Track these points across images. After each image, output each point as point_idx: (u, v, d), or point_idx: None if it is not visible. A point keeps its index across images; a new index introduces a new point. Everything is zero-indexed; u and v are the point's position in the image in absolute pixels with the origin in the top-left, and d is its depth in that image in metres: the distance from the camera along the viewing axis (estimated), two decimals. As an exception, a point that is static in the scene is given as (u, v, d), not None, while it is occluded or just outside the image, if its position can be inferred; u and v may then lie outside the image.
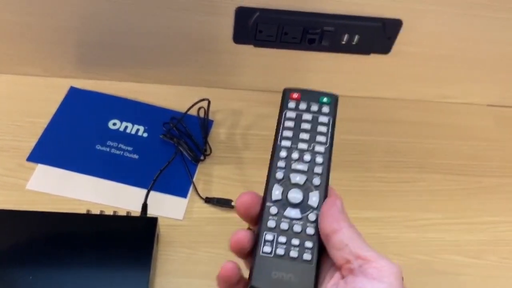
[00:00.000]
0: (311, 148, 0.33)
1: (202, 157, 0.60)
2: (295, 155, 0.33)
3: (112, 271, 0.46)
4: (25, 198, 0.54)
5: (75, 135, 0.60)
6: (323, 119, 0.34)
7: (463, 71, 0.66)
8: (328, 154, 0.33)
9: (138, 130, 0.62)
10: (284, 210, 0.31)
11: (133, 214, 0.51)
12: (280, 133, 0.34)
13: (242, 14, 0.56)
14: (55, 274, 0.46)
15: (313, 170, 0.32)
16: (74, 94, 0.65)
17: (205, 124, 0.63)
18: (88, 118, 0.62)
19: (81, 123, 0.62)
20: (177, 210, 0.55)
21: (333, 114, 0.35)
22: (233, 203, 0.56)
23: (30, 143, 0.59)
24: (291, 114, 0.35)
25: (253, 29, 0.58)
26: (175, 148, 0.60)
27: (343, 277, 0.29)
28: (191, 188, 0.57)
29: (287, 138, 0.34)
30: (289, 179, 0.32)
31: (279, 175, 0.32)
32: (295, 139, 0.34)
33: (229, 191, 0.57)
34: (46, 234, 0.48)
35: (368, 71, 0.66)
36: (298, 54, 0.63)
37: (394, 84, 0.68)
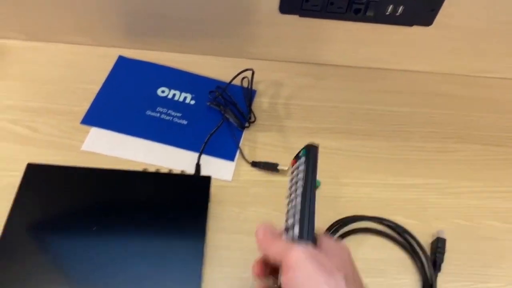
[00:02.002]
0: (295, 191, 0.40)
1: (247, 124, 0.62)
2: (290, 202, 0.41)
3: (169, 226, 0.49)
4: (81, 159, 0.57)
5: (126, 101, 0.63)
6: (301, 167, 0.41)
7: (504, 45, 0.67)
8: (304, 191, 0.39)
9: (185, 97, 0.64)
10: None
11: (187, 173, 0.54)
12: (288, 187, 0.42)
13: (290, -17, 0.58)
14: (115, 228, 0.48)
15: (295, 207, 0.39)
16: (122, 63, 0.67)
17: (249, 93, 0.65)
18: (137, 86, 0.65)
19: (131, 90, 0.64)
20: (225, 172, 0.57)
21: (306, 162, 0.40)
22: (279, 167, 0.58)
23: (84, 108, 0.62)
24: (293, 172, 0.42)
25: (299, -2, 0.59)
26: (221, 115, 0.62)
27: None
28: (237, 153, 0.60)
29: (289, 190, 0.42)
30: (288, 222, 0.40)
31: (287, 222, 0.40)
32: (291, 189, 0.41)
33: (273, 156, 0.59)
34: (106, 190, 0.51)
35: (410, 43, 0.67)
36: (342, 25, 0.64)
37: (434, 58, 0.69)
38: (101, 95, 0.63)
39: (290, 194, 0.41)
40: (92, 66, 0.67)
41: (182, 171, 0.54)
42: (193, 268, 0.47)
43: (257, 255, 0.51)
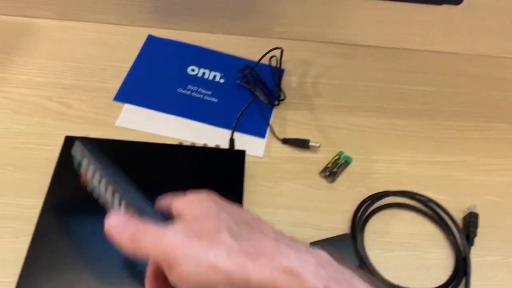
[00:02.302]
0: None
1: (276, 102, 0.63)
2: None
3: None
4: (116, 133, 0.58)
5: (157, 79, 0.64)
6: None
7: (532, 25, 0.67)
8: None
9: (215, 76, 0.65)
10: None
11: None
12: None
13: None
14: (152, 201, 0.49)
15: None
16: (152, 42, 0.68)
17: (278, 72, 0.65)
18: (167, 64, 0.65)
19: (161, 68, 0.65)
20: (257, 148, 0.58)
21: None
22: (310, 144, 0.58)
23: (115, 85, 0.63)
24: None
25: (331, -24, 0.59)
26: (251, 93, 0.63)
27: None
28: (268, 130, 0.60)
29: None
30: None
31: None
32: None
33: (303, 134, 0.60)
34: (143, 162, 0.52)
35: (438, 23, 0.67)
36: (370, 4, 0.64)
37: (463, 38, 0.69)
38: (132, 73, 0.64)
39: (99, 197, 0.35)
40: (122, 45, 0.67)
41: (217, 145, 0.55)
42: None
43: (292, 229, 0.53)
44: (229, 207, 0.30)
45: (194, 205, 0.29)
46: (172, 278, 0.26)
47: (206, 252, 0.25)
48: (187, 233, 0.26)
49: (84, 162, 0.39)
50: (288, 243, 0.27)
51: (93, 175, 0.37)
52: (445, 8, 0.64)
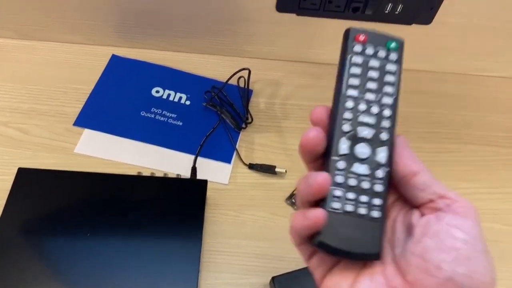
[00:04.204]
0: (378, 99, 0.31)
1: (244, 125, 0.61)
2: (362, 106, 0.30)
3: (164, 231, 0.48)
4: (74, 162, 0.56)
5: (119, 101, 0.62)
6: (390, 67, 0.31)
7: (502, 44, 0.66)
8: (396, 107, 0.31)
9: (180, 98, 0.63)
10: (352, 165, 0.30)
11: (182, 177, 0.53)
12: (345, 81, 0.31)
13: (288, -19, 0.57)
14: (110, 233, 0.47)
15: (380, 123, 0.30)
16: (116, 62, 0.66)
17: (245, 93, 0.64)
18: (131, 86, 0.63)
19: (125, 90, 0.63)
20: (222, 174, 0.56)
21: (400, 61, 0.31)
22: (276, 170, 0.57)
23: (76, 109, 0.60)
24: (357, 59, 0.31)
25: (297, -3, 0.58)
26: (218, 116, 0.61)
27: (423, 214, 0.29)
28: (234, 155, 0.59)
29: (353, 87, 0.31)
30: (356, 132, 0.30)
31: (346, 127, 0.30)
32: (361, 88, 0.31)
33: (270, 158, 0.58)
34: (99, 194, 0.50)
35: (409, 42, 0.65)
36: (340, 23, 0.63)
37: (433, 56, 0.68)
38: (94, 95, 0.62)
39: (363, 91, 0.31)
40: (85, 66, 0.65)
41: (178, 175, 0.53)
42: (189, 274, 0.46)
43: (254, 262, 0.51)
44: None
45: (469, 202, 0.29)
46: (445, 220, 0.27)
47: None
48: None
49: (395, 59, 0.32)
50: None
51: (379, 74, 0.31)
52: (415, 27, 0.63)
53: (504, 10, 0.61)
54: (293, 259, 0.50)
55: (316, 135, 0.29)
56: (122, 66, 0.65)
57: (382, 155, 0.30)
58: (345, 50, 0.32)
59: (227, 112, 0.61)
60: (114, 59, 0.66)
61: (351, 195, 0.29)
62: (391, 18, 0.61)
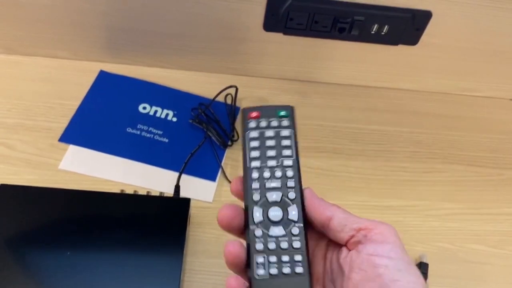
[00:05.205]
0: (279, 163, 0.34)
1: (229, 143, 0.61)
2: (266, 174, 0.33)
3: (146, 250, 0.48)
4: (58, 178, 0.56)
5: (106, 117, 0.62)
6: (284, 132, 0.35)
7: (488, 64, 0.67)
8: (297, 166, 0.34)
9: (167, 114, 0.63)
10: (268, 229, 0.32)
11: (165, 195, 0.53)
12: (248, 155, 0.34)
13: (275, 1, 0.57)
14: (91, 251, 0.47)
15: (286, 184, 0.33)
16: (103, 78, 0.66)
17: (232, 111, 0.64)
18: (118, 102, 0.63)
19: (111, 106, 0.63)
20: (206, 192, 0.56)
21: (293, 125, 0.35)
22: (261, 188, 0.57)
23: (62, 124, 0.60)
24: (254, 133, 0.35)
25: (284, 17, 0.58)
26: (203, 133, 0.61)
27: (349, 250, 0.31)
28: (219, 172, 0.59)
29: (255, 159, 0.34)
30: (266, 198, 0.33)
31: (256, 196, 0.33)
32: (263, 157, 0.34)
33: (256, 176, 0.59)
34: (81, 212, 0.49)
35: (395, 62, 0.66)
36: (326, 43, 0.63)
37: (419, 76, 0.69)
38: (81, 111, 0.62)
39: (265, 160, 0.34)
40: (72, 81, 0.65)
41: (161, 193, 0.53)
42: (170, 294, 0.45)
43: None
44: None
45: (385, 225, 0.32)
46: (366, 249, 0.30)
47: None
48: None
49: (288, 125, 0.36)
50: None
51: (276, 142, 0.35)
52: (401, 48, 0.64)
53: (488, 32, 0.62)
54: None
55: (229, 212, 0.33)
56: (110, 82, 0.65)
57: (293, 213, 0.32)
58: (243, 128, 0.35)
59: (213, 129, 0.62)
60: (102, 74, 0.66)
61: (273, 258, 0.31)
62: (377, 39, 0.62)
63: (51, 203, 0.50)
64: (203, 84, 0.67)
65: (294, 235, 0.31)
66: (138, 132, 0.61)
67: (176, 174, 0.57)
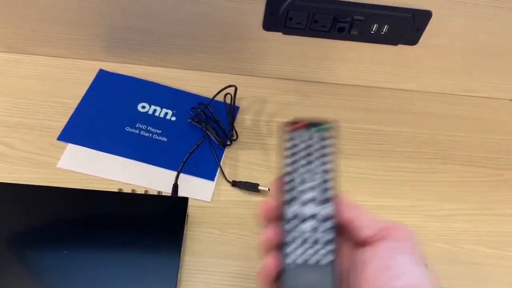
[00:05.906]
0: (318, 165, 0.35)
1: (228, 142, 0.61)
2: (305, 175, 0.34)
3: (143, 249, 0.47)
4: (56, 176, 0.56)
5: (105, 116, 0.62)
6: (327, 142, 0.36)
7: (488, 65, 0.67)
8: (334, 171, 0.35)
9: (166, 113, 0.63)
10: (301, 223, 0.33)
11: (163, 194, 0.53)
12: (287, 158, 0.35)
13: (274, 1, 0.57)
14: (88, 249, 0.47)
15: (322, 185, 0.34)
16: (103, 77, 0.66)
17: (231, 110, 0.64)
18: (117, 101, 0.63)
19: (110, 105, 0.63)
20: (205, 192, 0.56)
21: (334, 136, 0.36)
22: (259, 187, 0.56)
23: (61, 123, 0.60)
24: (297, 141, 0.36)
25: (283, 16, 0.58)
26: (202, 132, 0.61)
27: (364, 246, 0.33)
28: (218, 172, 0.58)
29: (294, 162, 0.35)
30: (302, 196, 0.34)
31: (290, 195, 0.34)
32: (302, 161, 0.35)
33: (254, 176, 0.58)
34: (79, 210, 0.49)
35: (395, 62, 0.66)
36: (326, 42, 0.63)
37: (419, 76, 0.69)
38: (80, 110, 0.62)
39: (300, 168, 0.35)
40: (72, 80, 0.65)
41: (159, 192, 0.53)
42: (168, 294, 0.45)
43: (235, 281, 0.50)
44: None
45: (404, 226, 0.34)
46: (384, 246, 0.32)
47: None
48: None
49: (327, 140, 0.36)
50: None
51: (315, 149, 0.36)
52: (401, 48, 0.64)
53: (488, 32, 0.61)
54: (273, 279, 0.50)
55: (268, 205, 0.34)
56: (109, 81, 0.65)
57: (327, 210, 0.34)
58: (285, 137, 0.37)
59: (212, 129, 0.61)
60: (102, 73, 0.66)
61: (302, 249, 0.33)
62: (377, 39, 0.61)
63: (48, 202, 0.50)
64: (202, 83, 0.67)
65: (325, 230, 0.33)
66: (137, 131, 0.60)
67: (175, 173, 0.56)
